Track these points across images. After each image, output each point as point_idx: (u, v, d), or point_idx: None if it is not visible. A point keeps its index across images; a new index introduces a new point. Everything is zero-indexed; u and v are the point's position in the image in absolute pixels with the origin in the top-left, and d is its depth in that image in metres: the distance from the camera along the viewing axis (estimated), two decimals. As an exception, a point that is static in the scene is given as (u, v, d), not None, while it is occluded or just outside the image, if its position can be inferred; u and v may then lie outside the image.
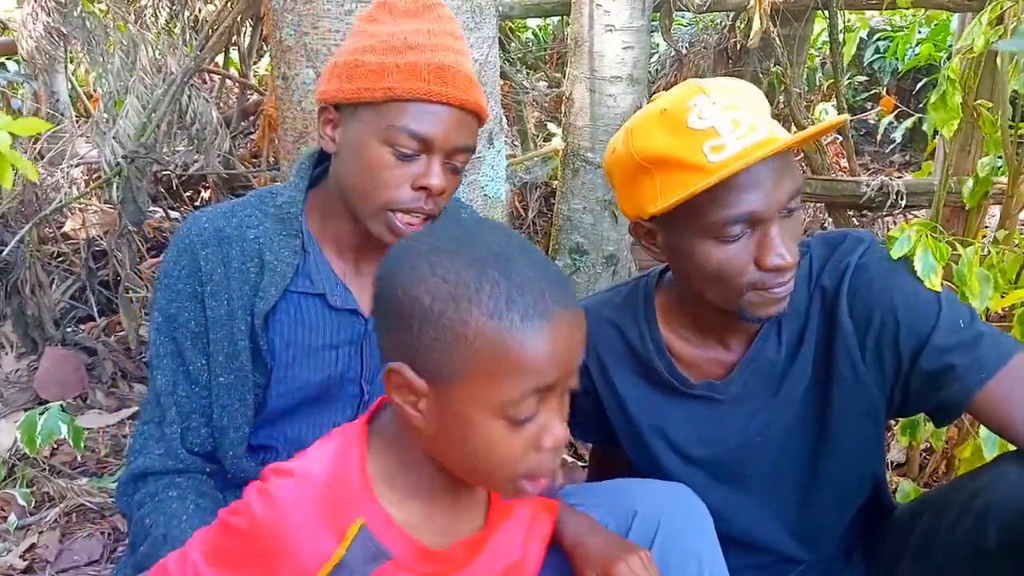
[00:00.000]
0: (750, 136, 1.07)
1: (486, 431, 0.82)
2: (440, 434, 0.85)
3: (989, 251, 1.51)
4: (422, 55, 1.18)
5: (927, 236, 1.19)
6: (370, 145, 1.19)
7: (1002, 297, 1.41)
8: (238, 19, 2.82)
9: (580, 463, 2.29)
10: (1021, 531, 1.08)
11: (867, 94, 5.79)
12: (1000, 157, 1.92)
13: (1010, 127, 1.95)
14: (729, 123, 1.08)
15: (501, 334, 0.79)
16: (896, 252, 1.19)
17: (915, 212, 3.28)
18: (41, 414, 1.93)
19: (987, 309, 1.41)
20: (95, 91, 3.90)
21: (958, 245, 1.27)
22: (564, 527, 1.15)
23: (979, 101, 1.91)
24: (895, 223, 3.48)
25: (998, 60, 1.85)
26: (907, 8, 2.16)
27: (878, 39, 5.69)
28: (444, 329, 0.80)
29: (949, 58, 1.85)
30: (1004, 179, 1.95)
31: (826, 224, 3.55)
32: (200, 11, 2.90)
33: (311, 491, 0.87)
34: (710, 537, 1.17)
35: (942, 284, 1.22)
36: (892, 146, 5.25)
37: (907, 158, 5.34)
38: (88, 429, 2.23)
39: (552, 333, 0.80)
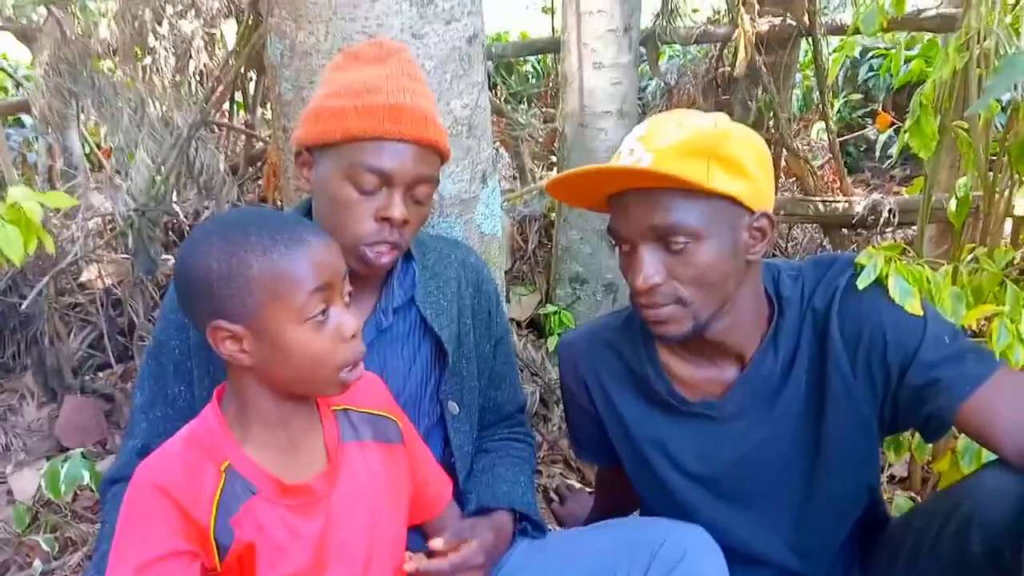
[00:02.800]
0: (617, 160, 1.21)
1: (298, 338, 1.04)
2: (268, 361, 1.05)
3: (962, 270, 1.56)
4: (377, 97, 1.27)
5: (896, 260, 1.25)
6: (335, 183, 1.28)
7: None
8: (241, 70, 2.93)
9: (588, 489, 2.34)
10: (1002, 538, 1.12)
11: (864, 111, 5.85)
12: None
13: (993, 143, 2.01)
14: (628, 150, 1.21)
15: (274, 264, 1.02)
16: (863, 282, 1.24)
17: (910, 229, 3.33)
18: (63, 461, 2.00)
19: (961, 327, 1.46)
20: (105, 144, 4.03)
21: (926, 267, 1.33)
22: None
23: (956, 122, 1.98)
24: (893, 240, 3.53)
25: (970, 83, 1.91)
26: (881, 32, 2.22)
27: (871, 57, 5.76)
28: (234, 279, 1.02)
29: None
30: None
31: (824, 244, 3.61)
32: (204, 64, 3.01)
33: (178, 445, 1.08)
34: (723, 571, 1.25)
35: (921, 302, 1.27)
36: (891, 161, 5.30)
37: (907, 171, 5.38)
38: (108, 474, 2.30)
39: (309, 250, 1.04)
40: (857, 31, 1.92)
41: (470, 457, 1.49)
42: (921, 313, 1.24)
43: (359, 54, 1.35)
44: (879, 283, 1.27)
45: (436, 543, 1.25)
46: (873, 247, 1.32)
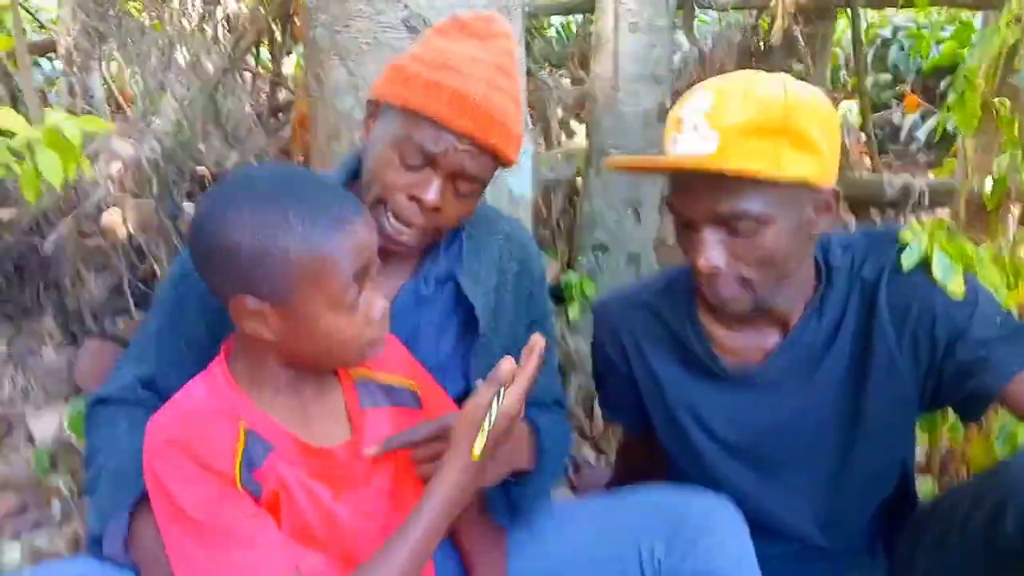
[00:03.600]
0: (697, 144, 1.15)
1: (329, 323, 1.01)
2: (291, 339, 1.02)
3: (1002, 250, 1.54)
4: (451, 78, 1.20)
5: (940, 238, 1.23)
6: (385, 145, 1.23)
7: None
8: (270, 18, 2.90)
9: (604, 463, 2.34)
10: None
11: (891, 92, 5.78)
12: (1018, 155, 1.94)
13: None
14: (691, 124, 1.17)
15: (312, 248, 0.97)
16: (908, 258, 1.23)
17: (938, 210, 3.29)
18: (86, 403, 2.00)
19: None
20: (124, 89, 4.00)
21: (970, 245, 1.30)
22: None
23: (997, 99, 1.94)
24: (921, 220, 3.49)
25: (1016, 60, 1.87)
26: (926, 8, 2.18)
27: (903, 37, 5.68)
28: (269, 258, 0.96)
29: (973, 55, 1.87)
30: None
31: (849, 223, 3.57)
32: (230, 10, 2.97)
33: (190, 406, 1.04)
34: (748, 544, 1.23)
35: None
36: (917, 144, 5.24)
37: (931, 156, 5.33)
38: (126, 417, 2.30)
39: (347, 234, 0.99)
40: (906, 4, 1.88)
41: None
42: (963, 291, 1.22)
43: (466, 24, 1.28)
44: (926, 259, 1.24)
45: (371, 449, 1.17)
46: (919, 222, 1.30)
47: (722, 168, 1.11)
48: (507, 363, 1.05)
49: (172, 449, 0.99)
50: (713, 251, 1.18)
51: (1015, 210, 2.18)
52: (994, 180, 2.04)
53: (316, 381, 1.10)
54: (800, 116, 1.14)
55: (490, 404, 1.03)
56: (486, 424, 1.02)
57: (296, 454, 1.05)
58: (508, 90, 1.24)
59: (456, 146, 1.20)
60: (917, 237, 1.25)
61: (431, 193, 1.22)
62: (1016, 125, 1.87)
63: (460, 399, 1.41)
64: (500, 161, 1.26)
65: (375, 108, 1.29)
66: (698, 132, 1.15)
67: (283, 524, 1.03)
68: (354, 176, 1.36)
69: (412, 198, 1.23)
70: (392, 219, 1.24)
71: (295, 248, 0.96)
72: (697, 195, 1.17)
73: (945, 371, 1.24)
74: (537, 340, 1.09)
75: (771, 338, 1.33)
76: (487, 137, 1.21)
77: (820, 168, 1.16)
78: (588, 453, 2.42)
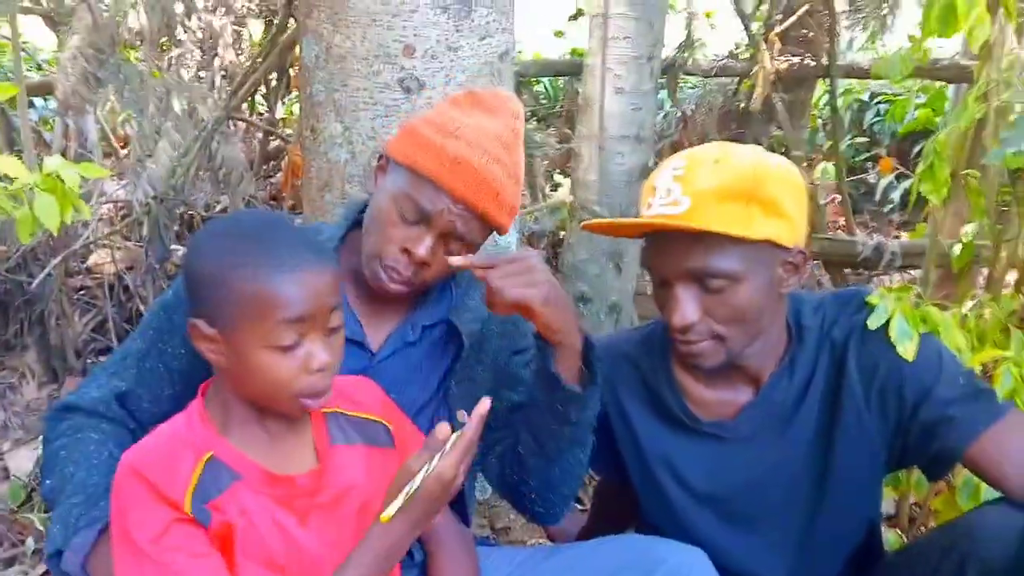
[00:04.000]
0: (669, 207, 1.22)
1: (259, 360, 1.05)
2: (234, 370, 1.08)
3: (966, 315, 1.60)
4: (455, 145, 1.28)
5: (904, 302, 1.28)
6: (388, 198, 1.31)
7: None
8: (266, 69, 2.97)
9: (579, 507, 2.35)
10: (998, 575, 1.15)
11: (867, 155, 5.92)
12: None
13: (1001, 193, 2.06)
14: (664, 190, 1.24)
15: (255, 285, 1.03)
16: (874, 323, 1.28)
17: (910, 272, 3.38)
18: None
19: (967, 369, 1.50)
20: (121, 131, 4.05)
21: (934, 310, 1.37)
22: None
23: (966, 171, 2.02)
24: (891, 282, 3.58)
25: (984, 134, 1.96)
26: (904, 79, 2.28)
27: (879, 102, 5.84)
28: (217, 287, 1.05)
29: (945, 125, 1.96)
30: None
31: (822, 281, 3.66)
32: (229, 61, 3.04)
33: (162, 437, 1.10)
34: None
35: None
36: (891, 206, 5.36)
37: (905, 217, 5.45)
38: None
39: (295, 279, 1.04)
40: (878, 76, 1.97)
41: (478, 468, 1.47)
42: (913, 356, 1.27)
43: (480, 98, 1.36)
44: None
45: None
46: (885, 288, 1.36)
47: (688, 226, 1.18)
48: (442, 429, 1.10)
49: (134, 477, 1.04)
50: (687, 307, 1.23)
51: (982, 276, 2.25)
52: (962, 246, 2.12)
53: (282, 417, 1.14)
54: (768, 183, 1.21)
55: (420, 470, 1.07)
56: (408, 488, 1.07)
57: (261, 483, 1.09)
58: (507, 163, 1.31)
59: (451, 207, 1.27)
60: (883, 300, 1.30)
61: (422, 249, 1.29)
62: (983, 198, 1.95)
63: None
64: (492, 227, 1.33)
65: (385, 163, 1.36)
66: (671, 196, 1.22)
67: (245, 551, 1.07)
68: (357, 224, 1.42)
69: (404, 251, 1.29)
70: (388, 272, 1.30)
71: (240, 280, 1.03)
72: (669, 253, 1.23)
73: (911, 431, 1.28)
74: (483, 403, 1.14)
75: (744, 394, 1.37)
76: (480, 203, 1.28)
77: (789, 230, 1.23)
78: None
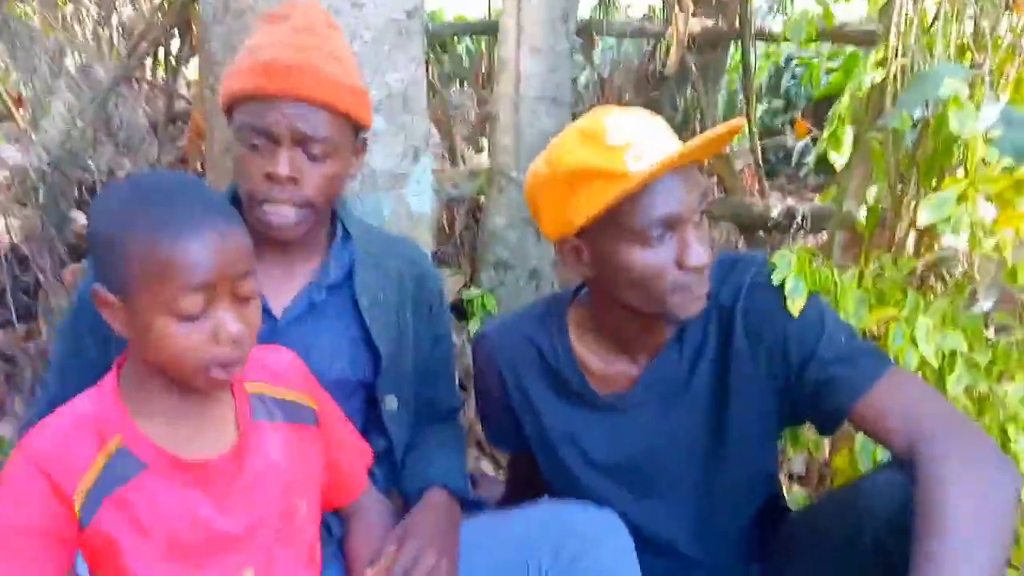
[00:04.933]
0: (663, 148, 1.20)
1: (162, 329, 0.98)
2: (137, 340, 1.01)
3: (867, 275, 1.65)
4: (258, 55, 1.27)
5: (805, 263, 1.31)
6: (235, 143, 1.30)
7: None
8: (167, 27, 2.84)
9: (501, 476, 2.37)
10: (890, 533, 1.18)
11: (784, 118, 6.04)
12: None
13: (904, 157, 2.11)
14: (643, 138, 1.20)
15: (154, 247, 0.95)
16: (776, 277, 1.30)
17: (822, 234, 3.47)
18: (-42, 420, 1.91)
19: (863, 329, 1.55)
20: (12, 92, 3.83)
21: (835, 271, 1.40)
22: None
23: (871, 134, 2.07)
24: (805, 243, 3.67)
25: (886, 97, 2.01)
26: (812, 43, 2.31)
27: (795, 65, 5.96)
28: (115, 250, 0.97)
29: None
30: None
31: (738, 244, 3.73)
32: (127, 17, 2.90)
33: (65, 419, 1.04)
34: (632, 556, 1.27)
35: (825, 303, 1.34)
36: (806, 169, 5.50)
37: (821, 179, 5.59)
38: (6, 437, 2.21)
39: (200, 242, 0.96)
40: (786, 38, 1.99)
41: (404, 453, 1.49)
42: (797, 314, 1.29)
43: (270, 15, 1.35)
44: (783, 284, 1.32)
45: (367, 574, 1.22)
46: (787, 249, 1.38)
47: (711, 142, 1.20)
48: None
49: (20, 466, 1.00)
50: (703, 242, 1.24)
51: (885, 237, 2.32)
52: (867, 209, 2.17)
53: (201, 392, 1.09)
54: None
55: None
56: None
57: (170, 469, 1.05)
58: (319, 47, 1.30)
59: (282, 111, 1.25)
60: (784, 260, 1.33)
61: (281, 166, 1.26)
62: (885, 161, 1.99)
63: (355, 414, 1.44)
64: (338, 114, 1.30)
65: (231, 123, 1.34)
66: (660, 142, 1.21)
67: (156, 545, 1.04)
68: (237, 198, 1.38)
69: (267, 176, 1.27)
70: (268, 208, 1.28)
71: (137, 242, 0.96)
72: (688, 188, 1.21)
73: (799, 391, 1.31)
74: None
75: (638, 365, 1.39)
76: (306, 91, 1.26)
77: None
78: (487, 467, 2.45)
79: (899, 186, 2.02)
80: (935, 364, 1.35)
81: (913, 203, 2.01)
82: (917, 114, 1.78)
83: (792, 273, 1.28)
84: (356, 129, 1.36)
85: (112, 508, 1.02)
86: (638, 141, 1.20)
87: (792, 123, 5.91)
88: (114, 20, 2.83)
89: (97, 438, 1.02)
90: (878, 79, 1.84)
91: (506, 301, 2.82)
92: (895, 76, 1.90)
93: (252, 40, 1.33)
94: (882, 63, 1.93)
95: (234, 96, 1.28)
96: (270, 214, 1.28)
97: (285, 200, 1.27)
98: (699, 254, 1.22)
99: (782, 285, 1.30)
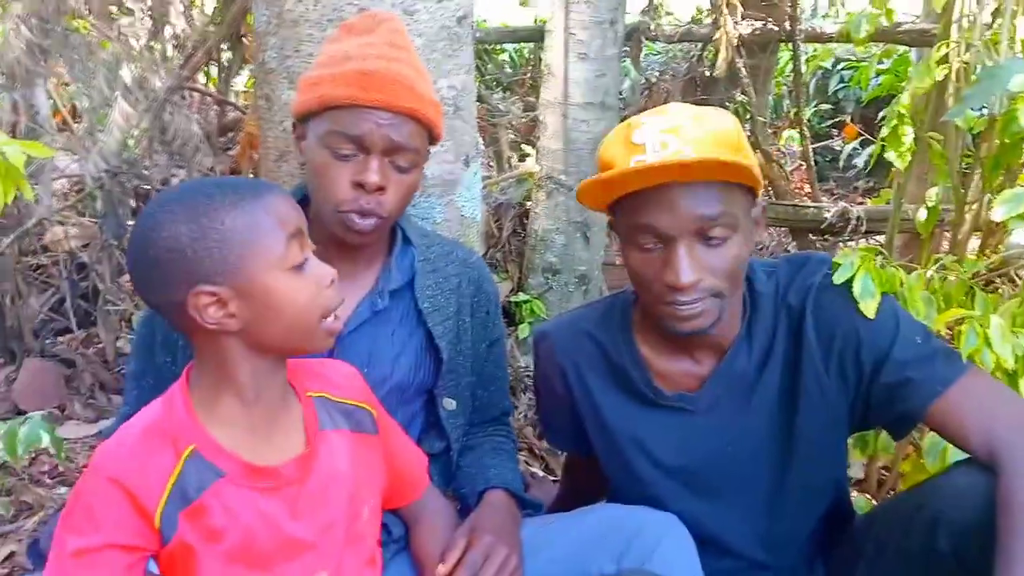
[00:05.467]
0: (671, 156, 1.16)
1: (284, 285, 1.02)
2: (256, 318, 1.02)
3: (932, 276, 1.60)
4: (352, 64, 1.28)
5: (870, 261, 1.28)
6: (316, 150, 1.30)
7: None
8: (219, 38, 2.89)
9: (551, 477, 2.35)
10: (969, 537, 1.15)
11: (832, 121, 5.95)
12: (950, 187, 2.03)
13: (963, 157, 2.07)
14: (658, 144, 1.18)
15: (247, 214, 1.00)
16: (839, 277, 1.28)
17: (875, 237, 3.40)
18: (22, 423, 1.95)
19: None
20: (66, 105, 3.93)
21: (901, 271, 1.36)
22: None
23: (930, 133, 2.02)
24: (856, 248, 3.60)
25: (947, 95, 1.96)
26: (864, 43, 2.27)
27: (843, 68, 5.86)
28: (209, 237, 0.99)
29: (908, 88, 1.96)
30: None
31: (789, 248, 3.67)
32: (181, 30, 2.95)
33: (137, 431, 1.05)
34: (695, 560, 1.27)
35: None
36: (855, 171, 5.40)
37: (870, 184, 5.49)
38: (66, 439, 2.26)
39: (274, 201, 1.03)
40: (845, 39, 1.96)
41: (458, 455, 1.50)
42: (873, 313, 1.26)
43: (352, 26, 1.36)
44: (851, 283, 1.29)
45: (440, 570, 1.23)
46: (848, 248, 1.35)
47: (717, 162, 1.13)
48: None
49: (100, 483, 1.01)
50: (692, 263, 1.19)
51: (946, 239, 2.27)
52: (927, 210, 2.12)
53: (279, 392, 1.10)
54: (739, 134, 1.23)
55: None
56: None
57: (245, 477, 1.06)
58: (406, 60, 1.32)
59: (377, 121, 1.27)
60: (848, 259, 1.30)
61: (372, 174, 1.27)
62: (946, 160, 1.95)
63: (414, 418, 1.45)
64: (424, 126, 1.32)
65: (301, 128, 1.35)
66: (669, 148, 1.17)
67: (231, 554, 1.04)
68: (303, 204, 1.39)
69: (356, 185, 1.28)
70: (354, 217, 1.29)
71: (229, 220, 0.99)
72: (680, 204, 1.17)
73: (872, 394, 1.28)
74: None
75: (705, 366, 1.36)
76: (400, 102, 1.27)
77: (757, 181, 1.22)
78: (537, 471, 2.43)
79: (961, 187, 1.97)
80: (1011, 365, 1.30)
81: (977, 203, 1.96)
82: (980, 113, 1.74)
83: (860, 273, 1.24)
84: (431, 142, 1.39)
85: (190, 518, 1.02)
86: (650, 145, 1.18)
87: (840, 127, 5.82)
88: (167, 32, 2.88)
89: (172, 449, 1.03)
90: (939, 76, 1.80)
91: (554, 306, 2.82)
92: (956, 74, 1.86)
93: (336, 49, 1.33)
94: (942, 61, 1.89)
95: (324, 103, 1.28)
96: (353, 222, 1.29)
97: (370, 209, 1.29)
98: (678, 272, 1.18)
99: (851, 284, 1.27)
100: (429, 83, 1.36)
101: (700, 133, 1.18)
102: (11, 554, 1.97)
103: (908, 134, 1.92)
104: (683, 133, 1.18)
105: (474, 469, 1.46)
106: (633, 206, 1.21)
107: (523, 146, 3.86)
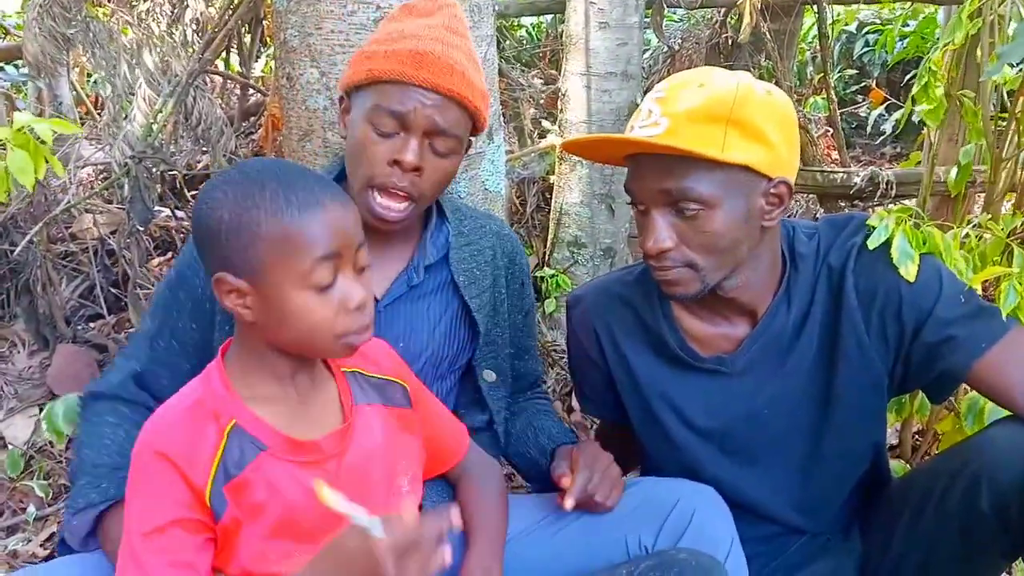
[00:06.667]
0: (648, 128, 1.19)
1: (299, 303, 1.00)
2: (269, 320, 1.02)
3: (968, 235, 1.57)
4: (407, 43, 1.27)
5: (905, 223, 1.25)
6: (359, 124, 1.29)
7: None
8: (239, 21, 2.88)
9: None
10: (1012, 495, 1.15)
11: (857, 87, 5.85)
12: (982, 145, 1.99)
13: (994, 116, 2.02)
14: (646, 111, 1.21)
15: (284, 224, 0.98)
16: (874, 241, 1.25)
17: (904, 201, 3.35)
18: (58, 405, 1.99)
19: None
20: (90, 94, 3.96)
21: (936, 231, 1.34)
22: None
23: (962, 91, 1.98)
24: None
25: (978, 51, 1.91)
26: (893, 2, 2.22)
27: (868, 32, 5.75)
28: (243, 233, 0.99)
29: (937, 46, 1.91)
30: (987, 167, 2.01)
31: (817, 215, 3.62)
32: (201, 13, 2.96)
33: (182, 408, 1.06)
34: (732, 530, 1.27)
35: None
36: (882, 137, 5.31)
37: (897, 149, 5.40)
38: (102, 422, 2.29)
39: (322, 215, 1.00)
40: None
41: (506, 423, 1.51)
42: (914, 276, 1.25)
43: (412, 7, 1.36)
44: (890, 243, 1.27)
45: (568, 503, 1.27)
46: (884, 210, 1.33)
47: (663, 144, 1.15)
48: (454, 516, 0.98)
49: (156, 457, 1.01)
50: (661, 232, 1.21)
51: (979, 198, 2.22)
52: (959, 169, 2.08)
53: (311, 371, 1.11)
54: (750, 108, 1.18)
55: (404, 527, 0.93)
56: (359, 518, 0.93)
57: (286, 451, 1.06)
58: (462, 47, 1.31)
59: (423, 101, 1.26)
60: (883, 221, 1.27)
61: (409, 154, 1.26)
62: (980, 117, 1.90)
63: (451, 390, 1.46)
64: (469, 114, 1.31)
65: (347, 101, 1.34)
66: (651, 117, 1.19)
67: (275, 529, 1.05)
68: (339, 180, 1.39)
69: (393, 162, 1.27)
70: (379, 197, 1.29)
71: (265, 222, 0.98)
72: (645, 176, 1.21)
73: (914, 354, 1.26)
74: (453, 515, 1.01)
75: (741, 328, 1.35)
76: (449, 85, 1.26)
77: (770, 158, 1.19)
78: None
79: (995, 144, 1.93)
80: (1054, 321, 1.28)
81: (1011, 161, 1.92)
82: (1019, 69, 1.69)
83: (897, 234, 1.22)
84: (473, 132, 1.38)
85: (235, 492, 1.03)
86: (643, 112, 1.22)
87: (866, 92, 5.73)
88: (187, 16, 2.88)
89: (215, 424, 1.04)
90: (972, 31, 1.75)
91: (580, 280, 2.80)
92: (989, 29, 1.81)
93: (393, 27, 1.33)
94: (975, 15, 1.84)
95: (373, 76, 1.27)
96: (382, 208, 1.29)
97: (401, 187, 1.28)
98: (644, 238, 1.23)
99: (890, 245, 1.25)
100: (481, 73, 1.35)
101: (687, 104, 1.18)
102: (51, 536, 2.01)
103: (938, 90, 1.88)
104: (671, 103, 1.19)
105: (529, 432, 1.48)
106: (628, 171, 1.26)
107: (543, 122, 3.84)
